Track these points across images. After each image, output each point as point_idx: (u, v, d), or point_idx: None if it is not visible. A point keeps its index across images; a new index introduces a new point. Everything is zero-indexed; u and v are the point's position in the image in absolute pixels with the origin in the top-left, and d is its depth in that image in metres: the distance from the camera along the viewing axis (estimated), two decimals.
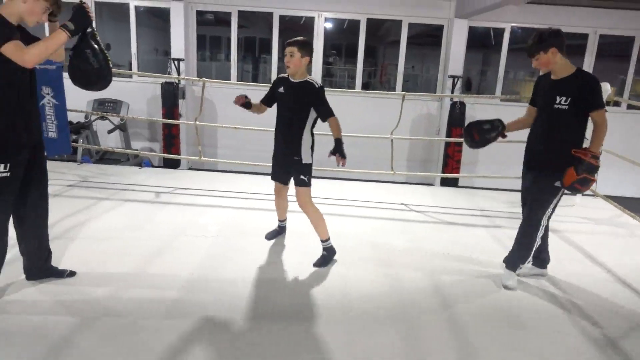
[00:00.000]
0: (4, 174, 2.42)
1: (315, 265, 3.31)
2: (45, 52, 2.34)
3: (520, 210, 3.36)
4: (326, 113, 3.22)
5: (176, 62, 7.95)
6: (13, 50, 2.28)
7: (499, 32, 8.32)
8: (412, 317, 2.77)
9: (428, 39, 9.34)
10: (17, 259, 2.84)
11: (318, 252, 3.42)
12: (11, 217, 2.62)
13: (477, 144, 3.31)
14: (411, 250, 3.71)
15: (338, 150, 3.16)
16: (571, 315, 2.89)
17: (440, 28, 8.28)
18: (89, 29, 2.53)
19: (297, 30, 9.33)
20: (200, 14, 8.50)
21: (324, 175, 5.95)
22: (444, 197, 5.34)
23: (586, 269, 3.59)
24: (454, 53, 7.92)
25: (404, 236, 4.00)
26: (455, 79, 7.85)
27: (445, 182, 7.73)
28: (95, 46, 2.53)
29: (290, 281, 3.11)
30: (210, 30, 10.07)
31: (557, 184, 2.94)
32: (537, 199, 3.06)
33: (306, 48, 3.17)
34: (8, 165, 2.42)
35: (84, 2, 2.46)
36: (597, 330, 2.74)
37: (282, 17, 8.39)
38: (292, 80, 3.24)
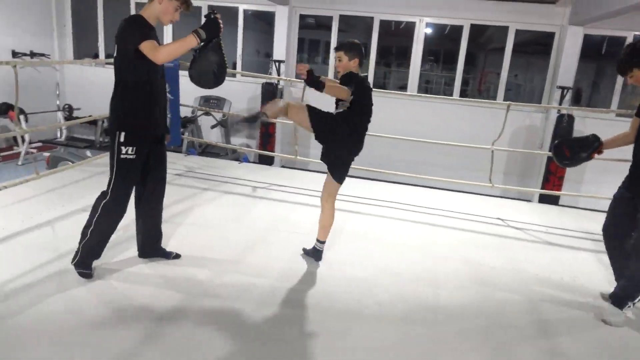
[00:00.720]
0: (131, 157, 2.71)
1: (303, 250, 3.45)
2: (175, 53, 2.57)
3: None
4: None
5: (277, 64, 8.28)
6: (149, 48, 2.54)
7: (619, 41, 7.63)
8: (505, 341, 2.64)
9: (535, 46, 8.82)
10: (133, 237, 3.15)
11: (405, 256, 3.38)
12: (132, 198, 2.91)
13: (568, 162, 3.09)
14: (507, 269, 3.53)
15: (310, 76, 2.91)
16: None
17: (550, 35, 7.78)
18: (219, 39, 2.70)
19: (395, 35, 9.29)
20: (302, 17, 8.78)
21: (417, 183, 5.87)
22: (544, 214, 5.02)
23: None
24: (565, 62, 7.39)
25: (499, 253, 3.82)
26: (565, 90, 7.34)
27: (544, 199, 7.24)
28: (218, 54, 2.70)
29: (379, 283, 3.11)
30: (310, 33, 10.35)
31: None
32: None
33: (353, 50, 3.09)
34: (135, 149, 2.70)
35: (217, 13, 2.64)
36: None
37: (382, 22, 8.40)
38: None
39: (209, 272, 3.05)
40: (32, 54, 8.57)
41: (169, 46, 2.56)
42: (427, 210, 4.75)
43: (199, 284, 2.90)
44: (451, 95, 8.53)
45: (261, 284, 2.97)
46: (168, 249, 3.23)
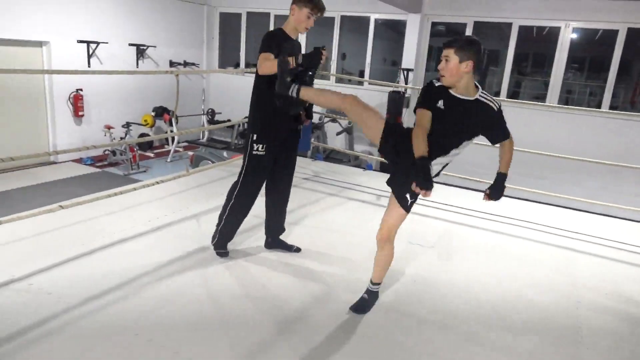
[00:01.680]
0: (261, 153, 3.02)
1: (351, 308, 2.74)
2: (272, 69, 2.74)
3: None
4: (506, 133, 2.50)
5: (405, 72, 8.23)
6: (260, 59, 2.82)
7: None
8: None
9: None
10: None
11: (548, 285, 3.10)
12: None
13: None
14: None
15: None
16: None
17: None
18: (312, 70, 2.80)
19: (535, 41, 8.64)
20: (433, 25, 8.61)
21: (553, 202, 5.39)
22: None
23: None
24: None
25: None
26: None
27: None
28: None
29: (515, 308, 2.92)
30: (440, 41, 10.10)
31: None
32: None
33: (469, 49, 2.32)
34: (264, 147, 3.01)
35: (324, 48, 2.75)
36: None
37: (521, 27, 7.88)
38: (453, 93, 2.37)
39: (330, 268, 3.13)
40: (185, 63, 9.66)
41: (269, 62, 2.76)
42: (565, 232, 4.33)
43: (322, 279, 2.99)
44: (597, 106, 7.69)
45: (384, 290, 2.97)
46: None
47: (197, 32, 10.11)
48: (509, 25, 7.92)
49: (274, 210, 3.33)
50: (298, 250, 3.43)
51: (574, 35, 7.77)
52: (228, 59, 10.51)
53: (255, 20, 9.89)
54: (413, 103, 8.24)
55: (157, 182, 4.19)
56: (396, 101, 7.75)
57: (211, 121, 9.54)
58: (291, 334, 2.47)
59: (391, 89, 8.15)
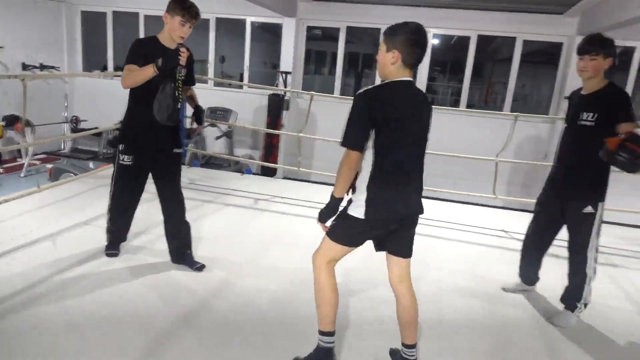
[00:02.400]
0: (127, 163, 2.99)
1: None
2: (133, 80, 2.73)
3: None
4: None
5: (284, 75, 8.30)
6: (124, 72, 2.76)
7: (628, 52, 7.54)
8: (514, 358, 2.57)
9: (542, 56, 8.76)
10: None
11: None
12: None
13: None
14: (512, 283, 3.44)
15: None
16: None
17: (557, 45, 7.71)
18: (178, 71, 2.82)
19: None
20: (309, 29, 8.81)
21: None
22: None
23: None
24: (573, 73, 7.28)
25: (504, 267, 3.73)
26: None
27: None
28: (168, 89, 2.81)
29: (382, 298, 3.05)
30: (317, 44, 10.39)
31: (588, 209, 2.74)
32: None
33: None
34: (131, 157, 2.98)
35: (182, 47, 2.75)
36: None
37: None
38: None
39: (208, 286, 3.01)
40: (42, 67, 8.69)
41: (132, 74, 2.73)
42: (430, 222, 4.68)
43: (199, 296, 2.86)
44: (458, 106, 8.48)
45: (260, 298, 2.92)
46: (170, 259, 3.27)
47: (55, 32, 9.16)
48: (378, 30, 8.39)
49: (169, 225, 3.19)
50: (202, 267, 3.22)
51: (435, 41, 8.48)
52: (94, 62, 9.70)
53: (124, 20, 9.25)
54: (293, 105, 8.38)
55: (3, 201, 3.69)
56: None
57: (75, 129, 8.69)
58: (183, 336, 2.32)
59: (270, 91, 8.16)
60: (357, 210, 2.04)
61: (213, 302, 2.84)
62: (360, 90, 1.98)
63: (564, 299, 2.99)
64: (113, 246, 3.32)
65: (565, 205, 2.85)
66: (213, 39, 8.89)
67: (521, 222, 4.90)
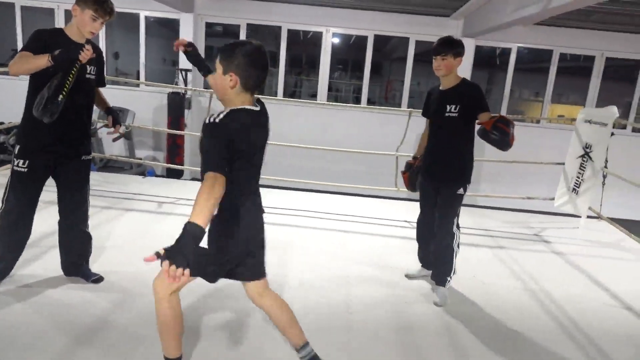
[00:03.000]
0: (22, 169, 2.64)
1: None
2: (23, 68, 2.46)
3: (521, 230, 3.32)
4: None
5: (184, 73, 8.00)
6: (15, 58, 2.47)
7: (505, 52, 8.36)
8: (413, 342, 2.73)
9: (428, 56, 9.38)
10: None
11: (318, 262, 3.37)
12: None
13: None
14: (415, 270, 3.66)
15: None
16: (576, 341, 2.84)
17: None
18: (76, 67, 2.52)
19: (304, 44, 9.42)
20: (209, 25, 8.58)
21: (329, 190, 5.95)
22: None
23: (591, 294, 3.55)
24: (460, 71, 7.94)
25: (409, 256, 3.95)
26: None
27: None
28: (55, 81, 2.51)
29: (291, 294, 3.07)
30: (218, 41, 10.16)
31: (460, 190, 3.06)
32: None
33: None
34: (27, 162, 2.63)
35: (88, 44, 2.54)
36: (601, 356, 2.69)
37: (290, 31, 8.46)
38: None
39: (108, 298, 2.82)
40: None
41: (22, 59, 2.45)
42: (337, 217, 4.82)
43: (99, 310, 2.66)
44: (359, 102, 8.80)
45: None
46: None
47: None
48: (279, 28, 8.42)
49: (65, 232, 2.90)
50: (100, 279, 3.00)
51: (336, 40, 8.71)
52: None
53: (37, 17, 8.30)
54: (195, 104, 8.11)
55: None
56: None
57: None
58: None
59: (170, 90, 7.83)
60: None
61: (114, 316, 2.66)
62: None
63: (435, 276, 3.25)
64: None
65: (441, 188, 3.12)
66: (103, 34, 8.30)
67: None
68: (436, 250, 3.20)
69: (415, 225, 3.50)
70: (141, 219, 4.28)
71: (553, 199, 5.32)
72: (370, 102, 9.21)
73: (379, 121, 8.14)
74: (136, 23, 8.37)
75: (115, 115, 2.94)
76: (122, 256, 3.44)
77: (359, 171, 7.76)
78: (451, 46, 2.95)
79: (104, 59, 2.85)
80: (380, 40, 8.64)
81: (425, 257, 3.45)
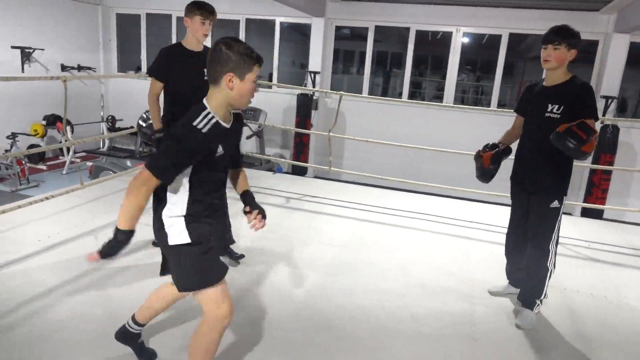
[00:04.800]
0: None
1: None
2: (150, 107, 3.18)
3: None
4: None
5: (312, 75, 8.36)
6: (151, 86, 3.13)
7: None
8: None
9: (578, 54, 8.56)
10: None
11: (441, 270, 3.30)
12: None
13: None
14: (552, 286, 3.41)
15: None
16: None
17: (593, 43, 7.53)
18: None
19: (431, 45, 9.22)
20: (337, 29, 8.84)
21: (454, 195, 5.77)
22: (587, 229, 4.83)
23: None
24: (610, 71, 7.13)
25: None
26: (609, 100, 7.07)
27: (586, 213, 6.96)
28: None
29: (413, 297, 3.07)
30: (345, 44, 10.41)
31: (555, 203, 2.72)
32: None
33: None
34: None
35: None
36: None
37: (418, 32, 8.36)
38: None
39: (242, 281, 3.09)
40: (80, 68, 8.99)
41: (150, 102, 3.17)
42: (461, 222, 4.66)
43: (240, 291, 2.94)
44: (488, 105, 8.37)
45: (295, 296, 2.98)
46: None
47: (91, 34, 9.46)
48: (407, 29, 8.36)
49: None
50: (241, 257, 3.38)
51: (465, 40, 8.39)
52: (128, 63, 9.96)
53: (157, 22, 9.48)
54: (321, 105, 8.43)
55: (47, 198, 3.86)
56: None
57: (111, 129, 8.97)
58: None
59: (299, 91, 8.23)
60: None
61: (250, 294, 2.91)
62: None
63: (523, 296, 2.92)
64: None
65: (531, 199, 2.81)
66: (243, 40, 9.00)
67: None
68: (528, 268, 2.87)
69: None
70: (271, 212, 4.59)
71: None
72: (500, 104, 8.70)
73: (508, 125, 7.66)
74: (271, 28, 8.94)
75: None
76: (256, 243, 3.73)
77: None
78: (566, 35, 2.62)
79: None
80: (515, 39, 8.12)
81: (512, 273, 3.12)
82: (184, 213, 1.86)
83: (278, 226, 4.21)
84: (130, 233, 1.80)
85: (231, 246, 3.43)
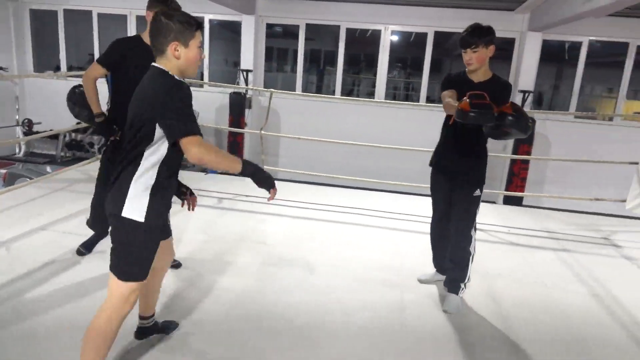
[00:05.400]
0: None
1: None
2: (89, 94, 3.03)
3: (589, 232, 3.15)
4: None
5: (245, 73, 8.26)
6: (90, 68, 2.96)
7: (575, 46, 7.92)
8: (471, 343, 2.68)
9: (497, 51, 9.07)
10: None
11: (374, 263, 3.37)
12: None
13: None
14: (475, 271, 3.58)
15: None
16: None
17: (511, 41, 8.01)
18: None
19: (362, 43, 9.41)
20: (269, 26, 8.79)
21: (385, 189, 5.92)
22: (507, 215, 5.13)
23: None
24: (526, 67, 7.63)
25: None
26: (526, 94, 7.55)
27: (508, 201, 7.41)
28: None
29: (345, 293, 3.11)
30: (278, 42, 10.38)
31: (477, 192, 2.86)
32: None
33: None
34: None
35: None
36: None
37: (348, 30, 8.49)
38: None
39: (172, 287, 2.99)
40: None
41: (87, 88, 2.96)
42: (392, 215, 4.79)
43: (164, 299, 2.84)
44: (418, 101, 8.67)
45: (226, 297, 2.93)
46: None
47: (2, 31, 8.77)
48: (338, 27, 8.47)
49: None
50: (178, 265, 3.24)
51: (395, 38, 8.64)
52: (45, 62, 9.35)
53: (76, 19, 8.96)
54: (255, 103, 8.35)
55: None
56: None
57: (28, 132, 8.36)
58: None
59: (232, 90, 8.11)
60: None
61: (183, 297, 2.83)
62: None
63: (449, 282, 3.04)
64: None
65: (456, 189, 2.92)
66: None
67: (482, 213, 5.10)
68: (452, 255, 3.00)
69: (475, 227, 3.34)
70: (203, 213, 4.48)
71: (625, 201, 4.98)
72: (429, 100, 9.04)
73: (438, 119, 7.98)
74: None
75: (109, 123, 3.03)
76: (188, 248, 3.63)
77: (418, 170, 7.66)
78: (481, 35, 2.70)
79: None
80: (441, 37, 8.47)
81: (439, 260, 3.25)
82: (152, 184, 1.86)
83: (210, 228, 4.12)
84: (246, 162, 1.92)
85: None
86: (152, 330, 2.40)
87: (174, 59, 1.86)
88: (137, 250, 1.91)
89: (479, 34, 2.71)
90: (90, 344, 1.90)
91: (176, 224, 4.04)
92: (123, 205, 1.85)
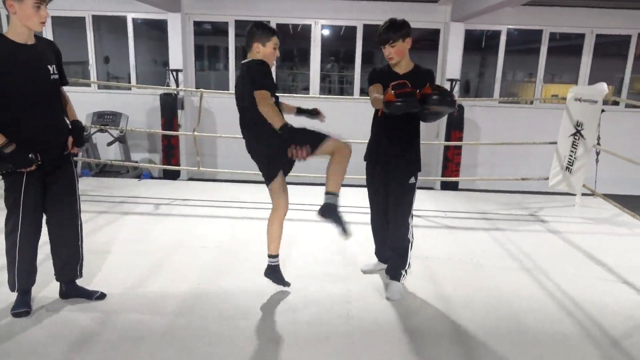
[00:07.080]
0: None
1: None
2: None
3: (517, 211, 3.33)
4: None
5: (174, 73, 7.98)
6: None
7: (496, 35, 8.33)
8: (414, 327, 2.76)
9: (425, 43, 9.37)
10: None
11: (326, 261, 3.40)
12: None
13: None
14: (415, 257, 3.68)
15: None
16: (574, 316, 2.87)
17: (436, 32, 8.29)
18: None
19: (294, 38, 9.38)
20: (197, 24, 8.55)
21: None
22: (443, 200, 5.34)
23: (587, 270, 3.57)
24: (451, 56, 7.92)
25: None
26: (453, 82, 7.86)
27: (445, 186, 7.71)
28: None
29: (285, 293, 3.10)
30: (208, 40, 10.13)
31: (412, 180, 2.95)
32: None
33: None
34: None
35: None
36: (599, 331, 2.72)
37: (278, 25, 8.43)
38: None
39: (112, 302, 2.84)
40: None
41: None
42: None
43: (90, 324, 2.69)
44: (352, 93, 8.79)
45: (168, 306, 2.83)
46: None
47: None
48: (268, 22, 8.38)
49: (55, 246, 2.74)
50: (102, 297, 2.86)
51: (325, 32, 8.68)
52: None
53: None
54: (187, 104, 8.09)
55: None
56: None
57: None
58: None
59: (162, 91, 7.82)
60: None
61: (117, 316, 2.69)
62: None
63: (390, 270, 3.13)
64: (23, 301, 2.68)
65: (391, 179, 2.99)
66: (92, 39, 8.25)
67: (419, 199, 5.26)
68: (392, 243, 3.07)
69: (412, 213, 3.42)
70: (138, 221, 4.30)
71: (547, 178, 5.33)
72: (363, 92, 9.19)
73: (371, 111, 8.13)
74: (123, 26, 8.33)
75: (77, 135, 2.68)
76: (120, 260, 3.46)
77: (353, 162, 7.77)
78: (396, 29, 2.78)
79: (61, 54, 2.64)
80: (370, 30, 8.61)
81: (380, 250, 3.34)
82: None
83: (146, 235, 3.96)
84: (286, 124, 2.72)
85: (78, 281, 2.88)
86: (276, 273, 3.06)
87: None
88: None
89: (394, 29, 2.79)
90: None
91: (106, 238, 3.86)
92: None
